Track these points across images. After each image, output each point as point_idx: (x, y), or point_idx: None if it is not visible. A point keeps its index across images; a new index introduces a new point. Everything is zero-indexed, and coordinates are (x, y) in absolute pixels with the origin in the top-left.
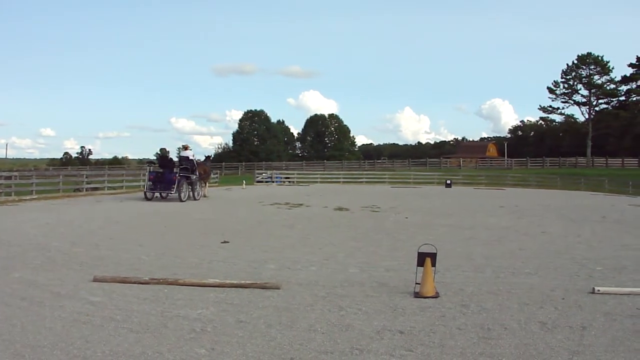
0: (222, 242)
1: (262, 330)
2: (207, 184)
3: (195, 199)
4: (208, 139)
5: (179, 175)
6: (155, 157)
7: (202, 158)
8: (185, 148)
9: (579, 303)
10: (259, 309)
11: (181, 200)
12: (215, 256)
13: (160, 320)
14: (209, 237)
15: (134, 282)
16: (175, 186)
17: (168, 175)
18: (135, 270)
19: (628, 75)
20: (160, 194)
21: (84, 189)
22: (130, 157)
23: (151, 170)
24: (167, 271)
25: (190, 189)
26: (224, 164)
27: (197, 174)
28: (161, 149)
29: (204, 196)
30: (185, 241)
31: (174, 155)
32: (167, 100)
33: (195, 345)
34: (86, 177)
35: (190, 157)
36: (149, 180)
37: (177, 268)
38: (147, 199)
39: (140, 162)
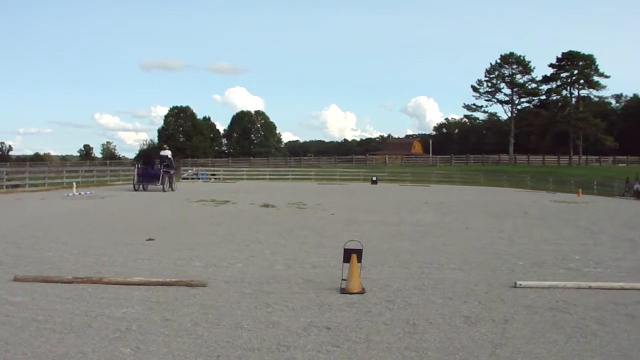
0: (147, 240)
1: (188, 328)
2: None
3: (172, 190)
4: (133, 135)
5: (163, 171)
6: (138, 156)
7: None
8: (165, 148)
9: (501, 297)
10: (185, 307)
11: (163, 191)
12: (140, 254)
13: (84, 320)
14: (133, 235)
15: (57, 282)
16: (160, 179)
17: (151, 170)
18: (58, 269)
19: (548, 75)
20: (143, 185)
21: (4, 187)
22: (52, 153)
23: (139, 166)
24: (91, 270)
25: (169, 182)
26: None
27: (175, 168)
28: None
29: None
30: (110, 239)
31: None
32: (91, 95)
33: (120, 344)
34: (6, 174)
35: (169, 156)
36: (138, 174)
37: (101, 266)
38: (135, 189)
39: (64, 158)
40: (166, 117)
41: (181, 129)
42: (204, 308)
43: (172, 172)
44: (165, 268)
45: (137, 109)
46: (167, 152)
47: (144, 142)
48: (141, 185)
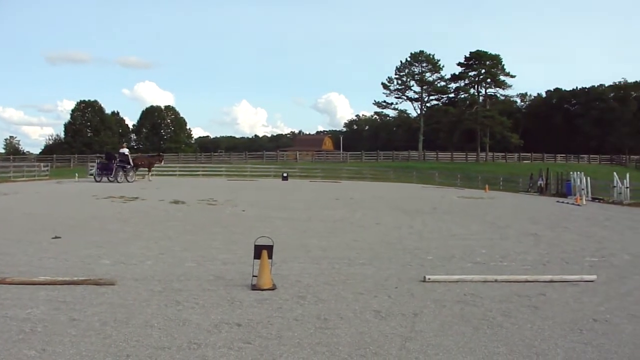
0: (53, 238)
1: (96, 328)
2: (150, 172)
3: (128, 182)
4: (38, 129)
5: (117, 165)
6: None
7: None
8: (123, 147)
9: (411, 291)
10: (93, 306)
11: (117, 182)
12: (46, 252)
13: None
14: (38, 233)
15: None
16: (113, 172)
17: (111, 165)
18: None
19: (457, 73)
20: (108, 177)
21: None
22: None
23: (99, 161)
24: None
25: (124, 175)
26: (55, 156)
27: (132, 164)
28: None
29: (149, 180)
30: (13, 237)
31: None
32: None
33: (25, 346)
34: None
35: (126, 153)
36: (98, 168)
37: (3, 266)
38: (96, 181)
39: None
40: (73, 111)
41: (89, 123)
42: (113, 307)
43: (128, 167)
44: (73, 266)
45: (43, 103)
46: (125, 150)
47: (50, 137)
48: (102, 177)
